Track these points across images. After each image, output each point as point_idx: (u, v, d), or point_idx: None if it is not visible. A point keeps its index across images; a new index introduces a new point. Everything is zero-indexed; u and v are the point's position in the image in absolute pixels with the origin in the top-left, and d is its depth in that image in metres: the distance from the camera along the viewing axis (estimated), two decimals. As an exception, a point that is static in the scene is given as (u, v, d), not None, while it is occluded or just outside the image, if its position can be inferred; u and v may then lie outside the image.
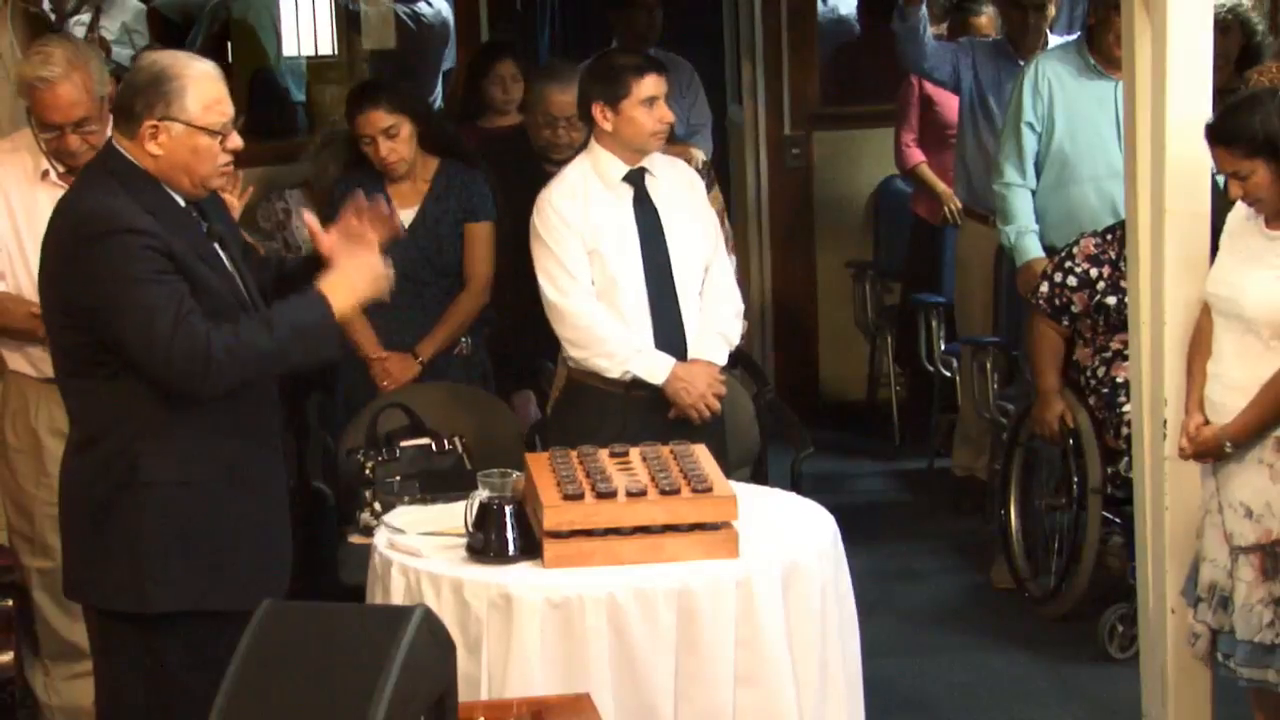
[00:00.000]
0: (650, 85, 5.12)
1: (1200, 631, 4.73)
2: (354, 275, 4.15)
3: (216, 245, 4.16)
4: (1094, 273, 5.95)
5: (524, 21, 10.85)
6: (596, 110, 5.16)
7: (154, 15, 8.99)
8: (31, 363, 5.07)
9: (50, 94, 4.86)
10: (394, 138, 5.84)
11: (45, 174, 5.03)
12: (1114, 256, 5.93)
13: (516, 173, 6.20)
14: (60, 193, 4.41)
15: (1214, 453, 4.64)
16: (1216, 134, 4.57)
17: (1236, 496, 4.61)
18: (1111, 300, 5.91)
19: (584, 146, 5.30)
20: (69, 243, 4.03)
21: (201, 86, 4.06)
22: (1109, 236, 5.98)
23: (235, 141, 4.11)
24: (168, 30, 8.80)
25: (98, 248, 3.96)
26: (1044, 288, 6.03)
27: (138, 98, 4.05)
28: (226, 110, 4.10)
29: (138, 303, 3.94)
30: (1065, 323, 6.03)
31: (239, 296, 4.14)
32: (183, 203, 4.10)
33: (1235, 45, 6.48)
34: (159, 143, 4.03)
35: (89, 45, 5.42)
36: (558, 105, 6.31)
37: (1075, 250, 6.01)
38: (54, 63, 4.85)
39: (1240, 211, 4.67)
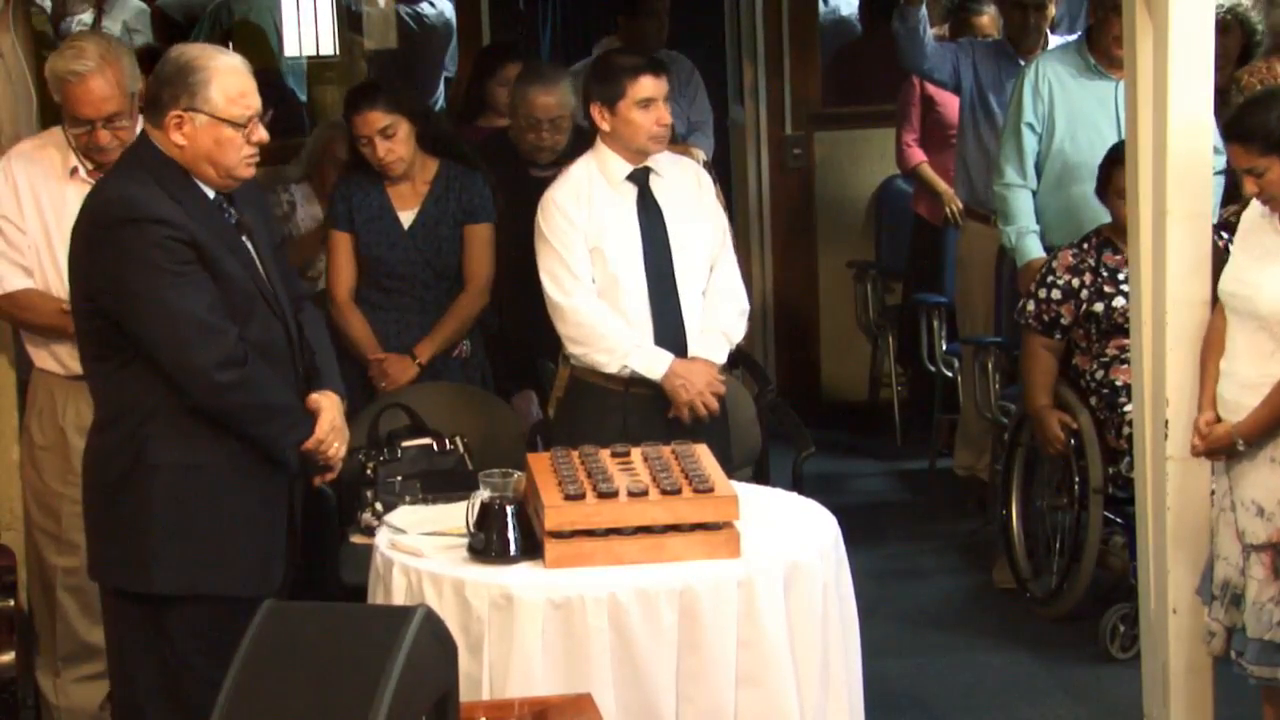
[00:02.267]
0: (646, 87, 5.11)
1: (1215, 630, 4.73)
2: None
3: (245, 238, 4.23)
4: (1075, 282, 5.96)
5: (525, 22, 10.85)
6: (595, 111, 5.16)
7: (157, 14, 9.01)
8: (59, 360, 5.06)
9: (82, 88, 4.85)
10: (391, 138, 5.82)
11: (74, 171, 5.03)
12: (1093, 264, 5.94)
13: (501, 174, 6.17)
14: (88, 190, 4.46)
15: (1225, 450, 4.64)
16: (1232, 130, 4.57)
17: (1248, 494, 4.61)
18: (1099, 307, 5.92)
19: (587, 147, 5.31)
20: (90, 228, 4.14)
21: (226, 79, 4.14)
22: (1085, 245, 6.00)
23: (260, 134, 4.20)
24: (171, 29, 8.81)
25: (116, 234, 4.06)
26: (1030, 306, 6.04)
27: (164, 88, 4.14)
28: (251, 104, 4.17)
29: (153, 292, 4.04)
30: (1058, 336, 6.03)
31: (261, 287, 4.22)
32: (211, 194, 4.19)
33: (1235, 45, 6.48)
34: (183, 133, 4.13)
35: (121, 42, 5.41)
36: (541, 107, 6.29)
37: (1054, 264, 6.03)
38: (86, 57, 4.85)
39: (1255, 209, 4.67)
